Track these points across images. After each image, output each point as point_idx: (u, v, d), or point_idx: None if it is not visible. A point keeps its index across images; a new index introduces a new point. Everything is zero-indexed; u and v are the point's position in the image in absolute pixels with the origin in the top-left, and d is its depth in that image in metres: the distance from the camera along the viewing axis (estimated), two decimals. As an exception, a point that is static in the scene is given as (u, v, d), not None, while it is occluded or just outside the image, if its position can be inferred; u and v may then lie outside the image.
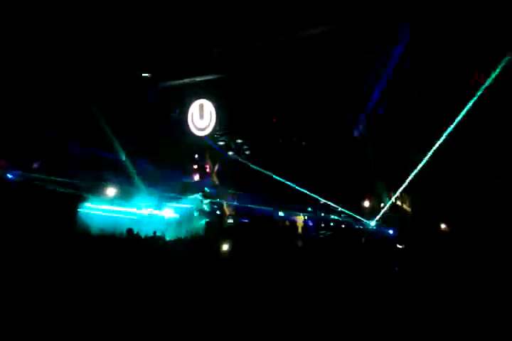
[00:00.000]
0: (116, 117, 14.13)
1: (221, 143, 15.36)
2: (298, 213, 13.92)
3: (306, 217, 13.89)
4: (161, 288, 6.38)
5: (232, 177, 14.57)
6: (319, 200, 13.37)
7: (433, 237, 10.70)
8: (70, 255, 7.62)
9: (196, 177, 15.37)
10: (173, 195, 14.83)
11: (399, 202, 13.14)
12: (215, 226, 13.31)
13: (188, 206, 14.80)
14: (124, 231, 10.83)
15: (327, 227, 13.47)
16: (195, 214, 14.51)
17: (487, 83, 9.70)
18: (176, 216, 14.34)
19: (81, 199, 13.33)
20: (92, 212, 13.48)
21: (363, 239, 12.18)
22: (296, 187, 12.93)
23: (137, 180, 14.40)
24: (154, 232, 11.28)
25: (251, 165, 13.89)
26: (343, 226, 13.56)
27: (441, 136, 10.93)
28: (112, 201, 14.20)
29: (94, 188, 14.05)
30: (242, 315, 5.50)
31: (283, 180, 13.03)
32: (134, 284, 6.41)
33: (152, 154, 14.26)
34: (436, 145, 11.19)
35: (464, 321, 5.31)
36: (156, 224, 13.28)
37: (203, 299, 5.96)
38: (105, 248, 8.67)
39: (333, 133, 13.11)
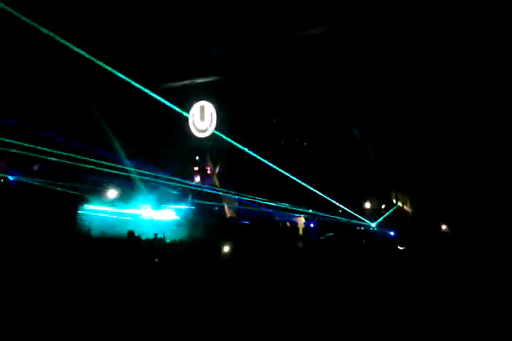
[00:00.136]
0: (116, 119, 14.15)
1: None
2: (299, 215, 13.91)
3: (307, 219, 13.88)
4: (161, 289, 6.38)
5: (234, 179, 14.57)
6: (317, 214, 13.41)
7: (434, 238, 10.69)
8: (69, 256, 7.63)
9: (197, 179, 15.38)
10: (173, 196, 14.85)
11: (400, 204, 13.14)
12: (216, 228, 13.30)
13: (189, 208, 14.81)
14: (123, 232, 10.84)
15: (328, 229, 13.44)
16: (196, 216, 14.52)
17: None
18: (177, 218, 14.35)
19: (81, 200, 13.34)
20: (92, 213, 13.51)
21: (364, 241, 12.18)
22: (298, 187, 12.92)
23: (138, 181, 14.42)
24: (155, 234, 11.27)
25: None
26: (344, 227, 13.52)
27: (441, 137, 10.94)
28: (112, 203, 14.21)
29: (95, 190, 14.08)
30: (243, 315, 5.50)
31: (285, 181, 13.03)
32: (135, 285, 6.41)
33: (153, 156, 14.27)
34: (436, 146, 11.20)
35: (464, 321, 5.31)
36: (156, 225, 13.28)
37: (204, 300, 5.96)
38: (105, 250, 8.67)
39: (334, 134, 13.12)
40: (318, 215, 13.27)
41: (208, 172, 15.31)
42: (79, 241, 9.80)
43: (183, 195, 15.25)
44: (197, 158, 15.54)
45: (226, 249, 10.09)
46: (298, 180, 13.12)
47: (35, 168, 13.40)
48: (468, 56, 9.91)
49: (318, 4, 10.82)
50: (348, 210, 13.01)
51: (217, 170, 15.18)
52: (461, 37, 9.79)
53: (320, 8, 10.92)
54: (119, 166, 14.08)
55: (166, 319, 5.42)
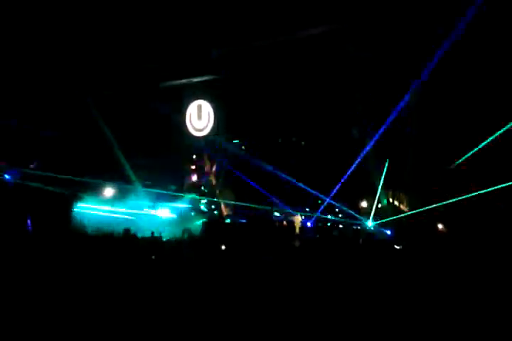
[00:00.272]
0: (114, 117, 14.14)
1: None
2: (295, 213, 13.91)
3: (303, 217, 13.88)
4: (158, 288, 6.35)
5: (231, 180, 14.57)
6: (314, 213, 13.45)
7: (431, 238, 10.71)
8: (65, 254, 7.59)
9: (194, 178, 15.37)
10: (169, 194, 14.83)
11: (396, 203, 13.16)
12: (213, 227, 13.29)
13: (185, 206, 14.79)
14: (119, 230, 10.82)
15: (325, 228, 13.47)
16: (192, 214, 14.50)
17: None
18: (173, 216, 14.33)
19: (76, 198, 13.30)
20: (88, 211, 13.46)
21: (361, 240, 12.18)
22: (295, 186, 12.95)
23: (134, 179, 14.40)
24: (152, 232, 11.25)
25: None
26: (340, 226, 13.55)
27: (439, 136, 10.96)
28: (107, 201, 14.17)
29: (90, 188, 14.04)
30: (240, 315, 5.48)
31: (281, 179, 13.04)
32: (130, 284, 6.38)
33: (150, 154, 14.26)
34: (434, 146, 11.22)
35: (463, 321, 5.31)
36: (152, 223, 13.27)
37: (201, 299, 5.94)
38: (101, 247, 8.64)
39: (331, 133, 13.13)
40: (316, 214, 13.29)
41: (205, 170, 15.31)
42: (75, 238, 9.77)
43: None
44: (194, 156, 15.53)
45: (222, 247, 10.07)
46: (295, 179, 13.16)
47: (32, 166, 13.35)
48: (468, 56, 9.94)
49: (318, 4, 10.85)
50: (351, 206, 13.04)
51: (213, 168, 15.17)
52: (460, 37, 9.82)
53: (319, 8, 10.95)
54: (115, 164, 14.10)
55: (163, 317, 5.40)
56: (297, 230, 13.36)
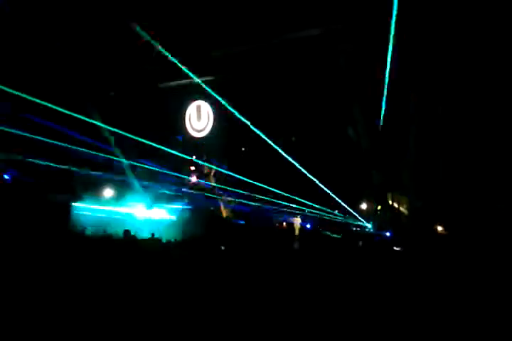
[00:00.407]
0: (113, 117, 14.11)
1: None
2: (296, 215, 13.91)
3: (303, 219, 13.88)
4: (158, 289, 6.35)
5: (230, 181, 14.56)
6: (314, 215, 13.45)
7: (429, 239, 10.73)
8: (64, 255, 7.57)
9: (193, 179, 15.35)
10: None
11: (396, 205, 13.17)
12: (213, 228, 13.28)
13: (185, 207, 14.78)
14: (118, 231, 10.79)
15: (324, 229, 13.48)
16: (192, 215, 14.48)
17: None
18: (173, 217, 14.31)
19: (74, 199, 13.26)
20: (87, 212, 13.43)
21: (360, 242, 12.20)
22: (295, 188, 12.95)
23: (133, 180, 14.36)
24: (152, 234, 11.22)
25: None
26: (340, 228, 13.55)
27: (438, 137, 10.98)
28: (107, 202, 14.14)
29: (90, 189, 14.01)
30: (240, 315, 5.48)
31: (281, 181, 13.04)
32: (131, 285, 6.37)
33: (150, 155, 14.22)
34: (433, 147, 11.24)
35: (462, 321, 5.33)
36: (152, 225, 13.24)
37: (201, 300, 5.94)
38: (101, 249, 8.62)
39: (330, 134, 13.13)
40: (315, 215, 13.30)
41: (205, 171, 15.29)
42: (73, 239, 9.74)
43: (178, 195, 15.22)
44: (193, 157, 15.51)
45: (222, 248, 10.07)
46: (294, 180, 13.15)
47: (31, 166, 13.30)
48: (466, 56, 9.96)
49: (317, 6, 10.86)
50: (350, 208, 13.03)
51: (213, 169, 15.16)
52: (458, 37, 9.85)
53: (318, 10, 10.96)
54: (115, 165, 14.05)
55: (163, 318, 5.39)
56: (297, 232, 13.37)
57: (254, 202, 13.87)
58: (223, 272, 7.50)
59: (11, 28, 11.04)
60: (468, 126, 10.49)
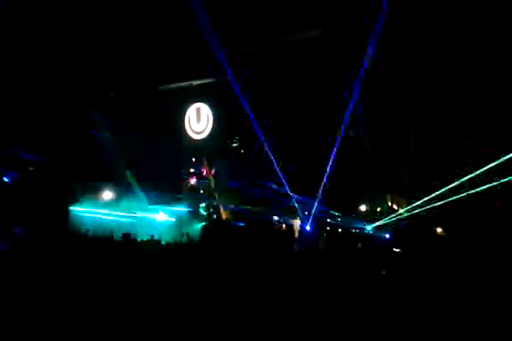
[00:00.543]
0: (113, 120, 14.14)
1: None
2: (295, 217, 13.90)
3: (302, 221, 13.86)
4: (157, 291, 6.35)
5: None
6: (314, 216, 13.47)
7: (429, 240, 10.75)
8: (65, 258, 7.58)
9: (193, 181, 15.37)
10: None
11: (395, 206, 13.18)
12: (212, 230, 13.28)
13: (185, 209, 14.77)
14: (117, 233, 10.80)
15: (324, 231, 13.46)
16: (192, 217, 14.47)
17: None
18: (172, 219, 14.30)
19: (73, 201, 13.26)
20: (87, 214, 13.42)
21: (360, 244, 12.20)
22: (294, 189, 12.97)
23: (133, 183, 14.37)
24: (152, 236, 11.23)
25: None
26: (339, 230, 13.54)
27: (437, 138, 11.00)
28: (105, 204, 14.13)
29: (90, 191, 14.01)
30: (238, 318, 5.48)
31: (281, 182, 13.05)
32: (131, 287, 6.38)
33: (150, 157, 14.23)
34: (432, 148, 11.26)
35: (461, 322, 5.34)
36: (151, 227, 13.25)
37: (200, 302, 5.94)
38: (101, 251, 8.63)
39: (329, 135, 13.15)
40: (315, 217, 13.29)
41: (204, 173, 15.30)
42: (73, 242, 9.74)
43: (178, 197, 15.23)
44: (193, 159, 15.54)
45: (221, 250, 10.06)
46: (294, 181, 13.17)
47: (31, 168, 13.33)
48: (466, 56, 10.00)
49: (317, 7, 10.90)
50: (350, 210, 13.02)
51: (213, 171, 15.17)
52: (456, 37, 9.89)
53: (318, 11, 11.00)
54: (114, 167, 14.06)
55: (162, 320, 5.40)
56: (296, 234, 13.36)
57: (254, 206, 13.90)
58: (223, 274, 7.51)
59: (11, 28, 11.07)
60: (469, 127, 10.52)
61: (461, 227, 10.41)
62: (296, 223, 13.61)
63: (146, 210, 14.17)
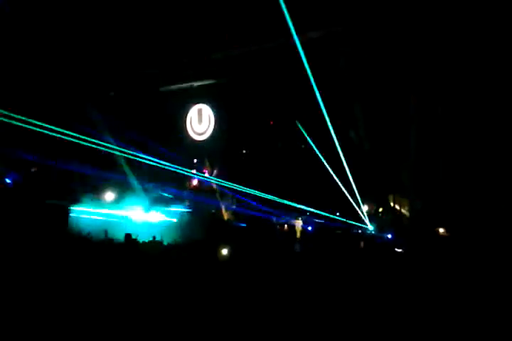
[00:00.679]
0: (114, 121, 14.15)
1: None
2: (297, 217, 13.87)
3: (304, 221, 13.84)
4: (159, 291, 6.34)
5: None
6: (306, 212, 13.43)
7: (431, 241, 10.71)
8: (66, 259, 7.58)
9: (195, 182, 15.37)
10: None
11: (397, 206, 13.15)
12: (214, 231, 13.26)
13: (186, 210, 14.77)
14: (119, 235, 10.79)
15: (326, 231, 13.44)
16: (193, 217, 14.47)
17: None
18: (174, 220, 14.30)
19: (73, 202, 13.25)
20: (88, 216, 13.42)
21: (362, 243, 12.19)
22: (296, 190, 12.94)
23: (133, 183, 14.37)
24: (154, 237, 11.22)
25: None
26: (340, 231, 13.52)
27: (438, 138, 10.98)
28: (106, 204, 14.12)
29: (89, 191, 14.01)
30: (240, 318, 5.47)
31: (284, 183, 13.04)
32: (134, 288, 6.37)
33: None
34: (433, 148, 11.24)
35: (463, 322, 5.32)
36: (152, 228, 13.23)
37: (202, 302, 5.93)
38: (104, 252, 8.63)
39: (331, 137, 13.14)
40: (317, 218, 13.27)
41: (206, 174, 15.30)
42: (75, 243, 9.74)
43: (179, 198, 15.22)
44: (195, 160, 15.54)
45: (223, 251, 10.05)
46: (296, 182, 13.15)
47: (32, 170, 13.36)
48: (466, 56, 9.98)
49: (317, 8, 10.90)
50: (351, 210, 12.99)
51: (214, 172, 15.17)
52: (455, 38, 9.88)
53: (318, 12, 11.00)
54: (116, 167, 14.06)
55: (164, 320, 5.39)
56: (298, 234, 13.34)
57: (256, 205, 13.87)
58: (224, 274, 7.51)
59: (11, 29, 11.12)
60: (469, 127, 10.49)
61: (464, 227, 10.36)
62: (298, 223, 13.59)
63: (145, 211, 14.17)
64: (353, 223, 12.96)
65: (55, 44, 11.87)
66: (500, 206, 9.97)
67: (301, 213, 13.74)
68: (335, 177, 12.79)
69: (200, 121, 15.61)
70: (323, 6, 10.96)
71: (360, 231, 13.00)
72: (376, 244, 12.12)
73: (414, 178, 11.94)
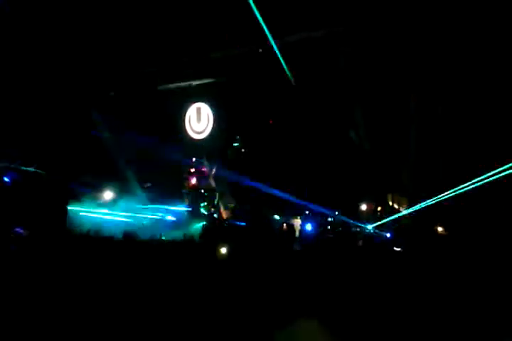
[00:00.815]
0: (112, 120, 14.16)
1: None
2: (296, 216, 13.89)
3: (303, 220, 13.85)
4: (159, 290, 6.35)
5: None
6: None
7: (430, 240, 10.74)
8: (65, 257, 7.57)
9: (193, 181, 15.35)
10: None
11: (396, 205, 13.17)
12: (212, 230, 13.28)
13: (185, 209, 14.78)
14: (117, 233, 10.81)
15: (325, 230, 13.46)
16: (192, 217, 14.48)
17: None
18: (173, 219, 14.32)
19: (72, 201, 13.26)
20: (86, 214, 13.42)
21: (360, 242, 12.21)
22: (295, 188, 12.96)
23: (132, 182, 14.37)
24: (153, 236, 11.24)
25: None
26: (340, 229, 13.54)
27: (438, 137, 11.00)
28: (104, 203, 14.12)
29: (89, 190, 14.01)
30: (239, 317, 5.48)
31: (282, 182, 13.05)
32: (133, 286, 6.37)
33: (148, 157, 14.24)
34: (433, 147, 11.26)
35: (462, 322, 5.33)
36: (151, 226, 13.24)
37: (201, 302, 5.94)
38: (103, 250, 8.62)
39: (330, 136, 13.16)
40: (316, 217, 13.29)
41: (205, 173, 15.29)
42: (74, 241, 9.75)
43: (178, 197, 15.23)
44: (193, 159, 15.53)
45: (222, 250, 10.06)
46: (294, 181, 13.17)
47: (32, 169, 13.33)
48: (466, 56, 10.01)
49: (316, 8, 10.91)
50: (350, 209, 13.02)
51: (213, 171, 15.16)
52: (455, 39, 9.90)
53: (318, 12, 11.01)
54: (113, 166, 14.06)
55: (164, 320, 5.39)
56: (297, 233, 13.35)
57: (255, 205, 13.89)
58: (224, 274, 7.51)
59: (11, 29, 11.10)
60: (469, 127, 10.52)
61: (463, 226, 10.40)
62: (297, 223, 13.61)
63: (145, 210, 14.19)
64: (352, 222, 12.98)
65: (53, 44, 11.87)
66: (500, 206, 10.01)
67: (300, 212, 13.76)
68: (334, 177, 12.82)
69: (199, 120, 15.60)
70: (323, 6, 10.96)
71: (358, 229, 13.02)
72: (375, 242, 12.15)
73: (413, 177, 11.97)
